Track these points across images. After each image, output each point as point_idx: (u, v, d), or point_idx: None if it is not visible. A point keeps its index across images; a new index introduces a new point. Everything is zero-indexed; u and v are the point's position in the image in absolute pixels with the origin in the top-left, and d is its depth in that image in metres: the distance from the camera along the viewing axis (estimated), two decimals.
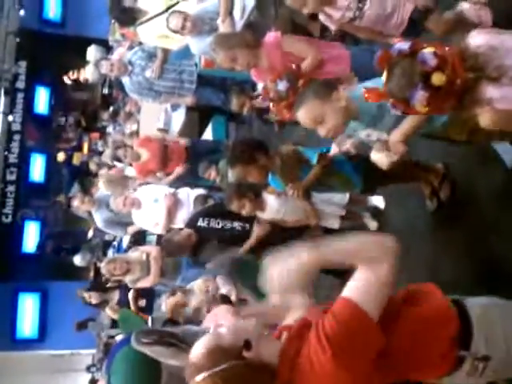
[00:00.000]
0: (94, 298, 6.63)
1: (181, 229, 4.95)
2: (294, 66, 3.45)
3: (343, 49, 3.71)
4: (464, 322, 1.79)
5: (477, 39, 2.05)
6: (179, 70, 6.13)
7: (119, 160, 7.42)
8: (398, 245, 1.71)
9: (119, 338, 6.34)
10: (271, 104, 3.50)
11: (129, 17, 6.18)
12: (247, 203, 3.93)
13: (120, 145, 7.24)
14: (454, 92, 1.96)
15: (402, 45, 2.03)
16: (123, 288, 6.29)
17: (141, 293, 5.97)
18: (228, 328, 1.71)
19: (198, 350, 1.67)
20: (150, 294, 5.97)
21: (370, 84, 2.47)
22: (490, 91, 1.98)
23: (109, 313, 6.89)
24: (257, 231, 4.28)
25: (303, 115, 2.67)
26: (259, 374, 1.64)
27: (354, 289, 1.66)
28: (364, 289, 1.64)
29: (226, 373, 1.60)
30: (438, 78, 1.92)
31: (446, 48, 1.97)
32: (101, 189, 6.98)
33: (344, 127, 2.68)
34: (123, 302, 6.13)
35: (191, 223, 4.61)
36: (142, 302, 5.87)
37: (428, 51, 1.95)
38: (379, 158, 2.78)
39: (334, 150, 3.43)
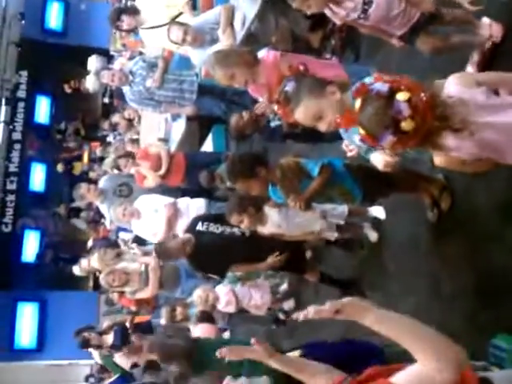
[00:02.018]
0: (94, 339, 6.66)
1: None
2: (301, 68, 3.44)
3: (341, 69, 3.70)
4: None
5: (451, 88, 2.14)
6: (180, 80, 6.13)
7: (119, 169, 7.42)
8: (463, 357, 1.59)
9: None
10: (277, 107, 3.45)
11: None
12: (246, 219, 3.94)
13: (123, 154, 7.26)
14: (419, 136, 2.05)
15: (381, 86, 2.10)
16: (118, 330, 6.29)
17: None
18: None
19: None
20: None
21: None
22: (450, 141, 2.09)
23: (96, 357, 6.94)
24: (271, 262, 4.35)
25: (302, 114, 2.72)
26: None
27: (403, 378, 1.56)
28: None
29: None
30: (407, 125, 2.01)
31: (421, 93, 2.04)
32: (103, 180, 6.98)
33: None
34: (117, 346, 6.16)
35: (190, 227, 4.61)
36: None
37: (403, 99, 2.03)
38: (378, 158, 2.85)
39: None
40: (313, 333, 4.78)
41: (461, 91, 2.13)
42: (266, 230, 4.09)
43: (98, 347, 6.74)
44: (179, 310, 5.61)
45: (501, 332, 2.88)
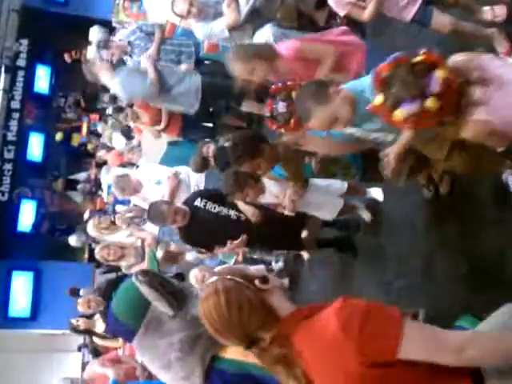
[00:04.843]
0: (82, 323, 6.63)
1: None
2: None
3: (357, 38, 3.68)
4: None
5: (456, 57, 2.24)
6: (178, 51, 6.09)
7: (128, 137, 7.34)
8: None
9: None
10: (282, 130, 3.44)
11: None
12: (250, 191, 3.88)
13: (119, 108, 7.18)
14: (454, 92, 2.07)
15: (396, 54, 2.18)
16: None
17: None
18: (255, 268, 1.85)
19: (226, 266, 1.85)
20: None
21: (361, 84, 2.62)
22: (477, 92, 2.11)
23: (97, 341, 6.87)
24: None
25: (317, 124, 2.73)
26: (260, 307, 1.72)
27: (416, 325, 1.61)
28: (425, 337, 1.58)
29: (232, 284, 1.72)
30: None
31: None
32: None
33: (354, 113, 2.70)
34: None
35: (189, 201, 4.60)
36: None
37: (440, 75, 2.07)
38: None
39: None
40: None
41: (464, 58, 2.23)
42: (264, 200, 4.08)
43: (89, 331, 6.73)
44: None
45: (464, 314, 2.96)
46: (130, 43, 6.05)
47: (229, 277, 1.75)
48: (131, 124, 7.01)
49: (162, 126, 6.30)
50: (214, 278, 1.77)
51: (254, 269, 1.73)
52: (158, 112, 6.34)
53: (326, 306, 1.67)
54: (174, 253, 5.55)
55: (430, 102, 2.03)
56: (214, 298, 1.72)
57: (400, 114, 2.08)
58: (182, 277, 5.26)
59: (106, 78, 5.67)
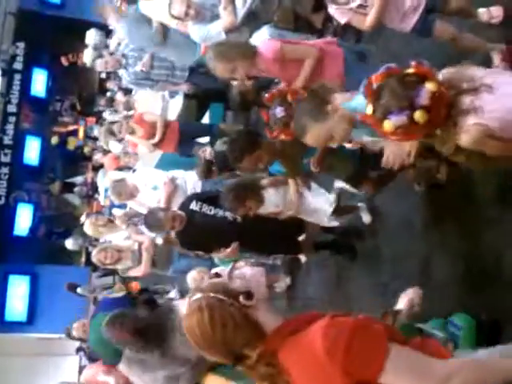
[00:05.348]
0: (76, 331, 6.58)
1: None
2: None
3: (337, 46, 3.70)
4: None
5: (446, 70, 2.22)
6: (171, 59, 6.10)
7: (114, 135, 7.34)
8: None
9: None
10: (282, 135, 3.44)
11: None
12: (252, 205, 3.89)
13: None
14: (444, 105, 2.06)
15: (389, 65, 2.15)
16: None
17: None
18: (243, 278, 1.82)
19: (210, 280, 1.85)
20: None
21: (354, 104, 2.59)
22: (469, 100, 2.09)
23: None
24: None
25: (312, 141, 2.75)
26: (245, 324, 1.69)
27: (402, 351, 1.59)
28: (410, 363, 1.56)
29: (216, 302, 1.69)
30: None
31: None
32: None
33: (351, 130, 2.72)
34: None
35: (184, 205, 4.60)
36: None
37: (430, 89, 2.05)
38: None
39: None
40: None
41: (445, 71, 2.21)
42: (263, 210, 4.06)
43: (84, 340, 6.69)
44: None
45: (458, 312, 2.97)
46: (124, 55, 6.08)
47: (212, 295, 1.72)
48: (127, 137, 6.95)
49: (156, 139, 6.25)
50: (198, 296, 1.74)
51: (251, 273, 1.68)
52: (152, 125, 6.30)
53: (314, 319, 1.65)
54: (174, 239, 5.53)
55: (418, 115, 2.02)
56: (197, 314, 1.70)
57: (388, 125, 2.08)
58: (154, 302, 5.18)
59: (113, 21, 5.96)
